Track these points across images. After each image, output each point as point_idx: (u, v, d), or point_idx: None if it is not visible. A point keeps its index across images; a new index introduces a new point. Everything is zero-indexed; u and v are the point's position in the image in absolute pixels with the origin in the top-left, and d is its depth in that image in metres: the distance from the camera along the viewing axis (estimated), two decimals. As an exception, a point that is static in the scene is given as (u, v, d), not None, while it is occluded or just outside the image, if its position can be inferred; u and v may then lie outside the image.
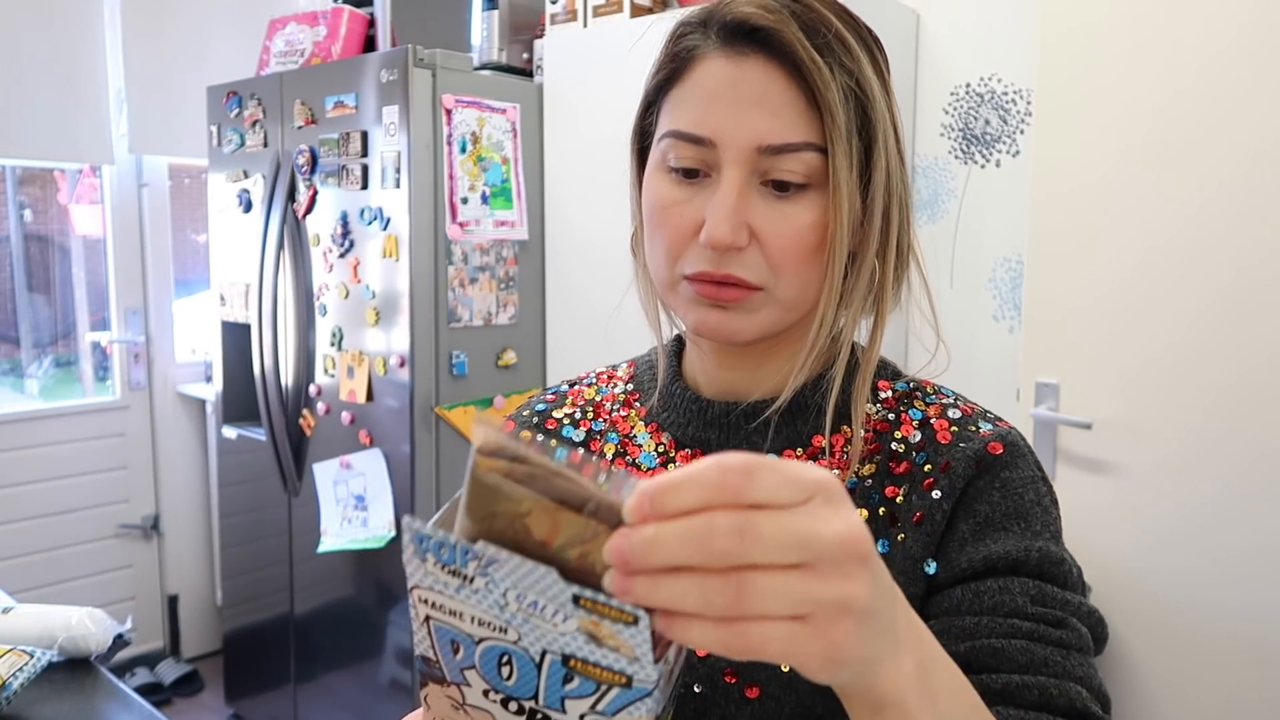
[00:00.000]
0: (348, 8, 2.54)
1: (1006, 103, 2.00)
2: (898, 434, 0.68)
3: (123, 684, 1.20)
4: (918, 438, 0.68)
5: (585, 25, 2.32)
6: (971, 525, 0.64)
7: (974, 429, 0.67)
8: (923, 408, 0.70)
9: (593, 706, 0.48)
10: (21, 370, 3.18)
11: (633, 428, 0.76)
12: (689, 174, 0.64)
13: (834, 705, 0.53)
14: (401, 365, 2.25)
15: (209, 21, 3.18)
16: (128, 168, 3.15)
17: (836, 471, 0.67)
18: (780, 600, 0.35)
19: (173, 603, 3.31)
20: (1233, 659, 1.65)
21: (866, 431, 0.69)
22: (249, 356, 2.63)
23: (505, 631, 0.49)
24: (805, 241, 0.63)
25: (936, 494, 0.65)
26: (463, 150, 2.26)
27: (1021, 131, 1.99)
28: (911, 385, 0.72)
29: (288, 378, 2.54)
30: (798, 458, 0.69)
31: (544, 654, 0.47)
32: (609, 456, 0.75)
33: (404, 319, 2.23)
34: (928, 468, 0.66)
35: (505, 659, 0.51)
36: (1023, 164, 1.97)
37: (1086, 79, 1.73)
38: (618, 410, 0.78)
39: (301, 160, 2.42)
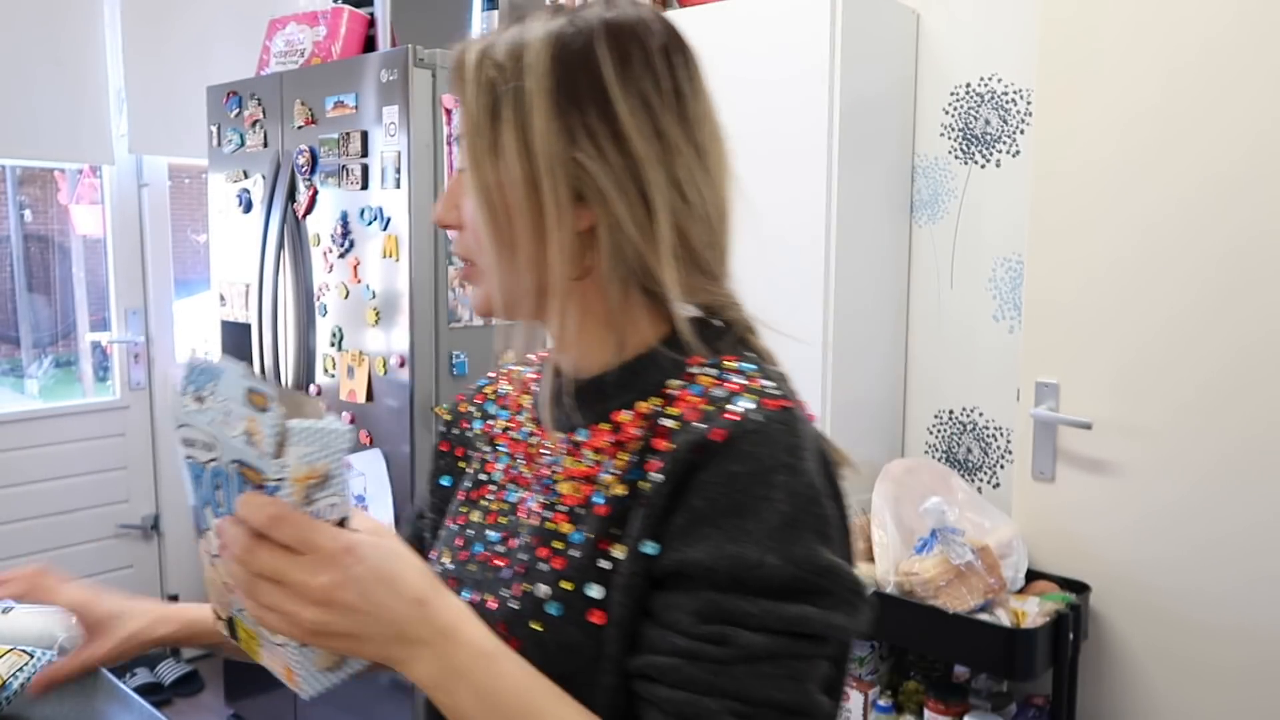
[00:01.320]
0: (348, 8, 2.54)
1: (1006, 103, 2.00)
2: (671, 410, 0.67)
3: (123, 684, 1.20)
4: (676, 415, 0.66)
5: (585, 25, 2.32)
6: (684, 519, 0.62)
7: (724, 409, 0.63)
8: (706, 383, 0.67)
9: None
10: (21, 370, 3.18)
11: (523, 405, 0.83)
12: None
13: (575, 668, 0.64)
14: (401, 365, 2.25)
15: (209, 21, 3.18)
16: (128, 168, 3.15)
17: (611, 460, 0.69)
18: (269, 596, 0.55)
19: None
20: (1231, 654, 1.65)
21: (646, 403, 0.69)
22: (249, 356, 2.62)
23: (214, 449, 0.57)
24: (473, 215, 0.69)
25: (659, 477, 0.63)
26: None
27: (1021, 131, 1.99)
28: (726, 356, 0.70)
29: (288, 378, 2.54)
30: (600, 432, 0.70)
31: (231, 466, 0.56)
32: (517, 435, 0.80)
33: (404, 319, 2.23)
34: (670, 446, 0.64)
35: (218, 482, 0.58)
36: (1023, 164, 1.97)
37: (1086, 79, 1.73)
38: (530, 387, 0.84)
39: (301, 160, 2.42)
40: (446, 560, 0.78)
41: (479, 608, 0.70)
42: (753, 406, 0.63)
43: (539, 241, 0.66)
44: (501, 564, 0.73)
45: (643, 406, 0.69)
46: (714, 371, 0.68)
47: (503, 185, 0.66)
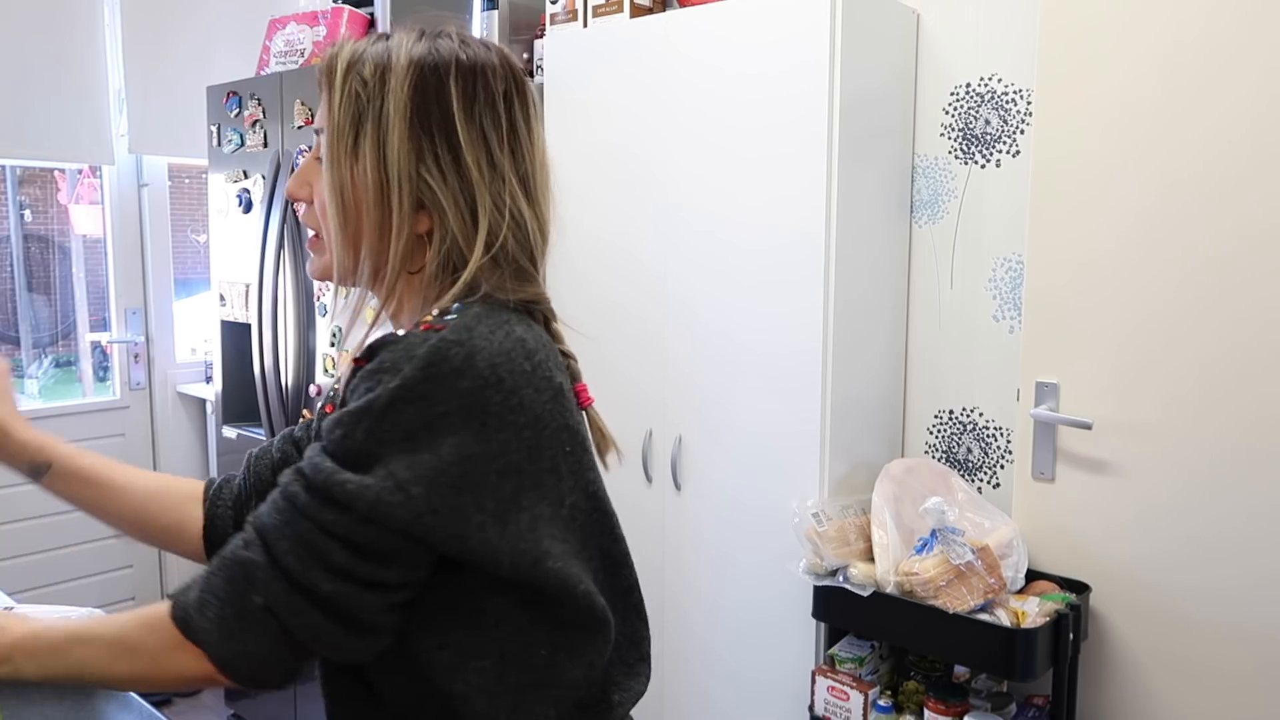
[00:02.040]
0: (348, 8, 2.54)
1: (1006, 103, 2.00)
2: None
3: (122, 684, 1.20)
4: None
5: (585, 25, 2.32)
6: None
7: (367, 349, 0.76)
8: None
9: None
10: (22, 370, 3.18)
11: None
12: None
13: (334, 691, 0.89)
14: (401, 365, 2.25)
15: (209, 22, 3.18)
16: (128, 168, 3.15)
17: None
18: None
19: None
20: (1231, 654, 1.65)
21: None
22: (249, 356, 2.62)
23: None
24: (324, 202, 0.82)
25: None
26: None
27: (1021, 131, 1.99)
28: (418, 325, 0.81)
29: (288, 378, 2.54)
30: None
31: None
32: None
33: (404, 319, 2.23)
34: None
35: None
36: (1023, 164, 1.97)
37: (1086, 79, 1.73)
38: None
39: (301, 160, 2.42)
40: None
41: None
42: (395, 341, 0.75)
43: (382, 237, 0.81)
44: None
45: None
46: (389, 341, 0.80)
47: (355, 185, 0.80)
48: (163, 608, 0.75)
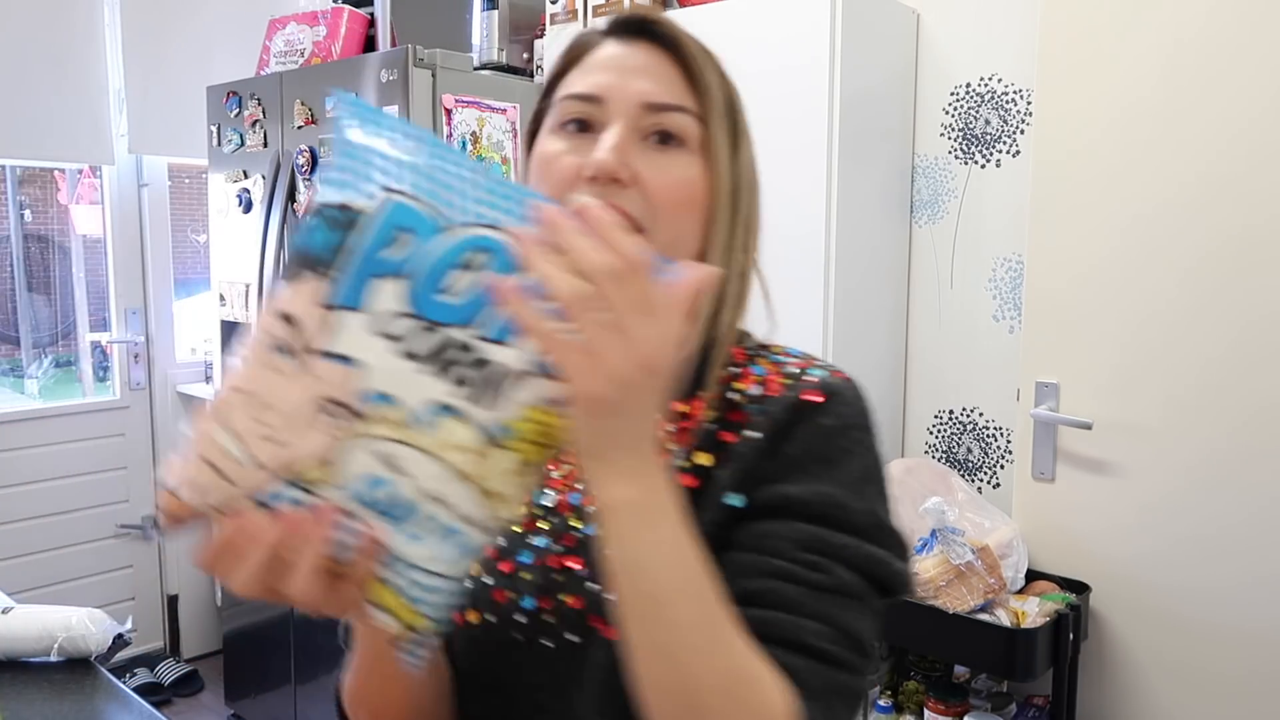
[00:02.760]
0: (348, 8, 2.54)
1: (1006, 103, 2.00)
2: (737, 385, 0.72)
3: (123, 684, 1.20)
4: (755, 391, 0.71)
5: (585, 25, 2.32)
6: (776, 465, 0.67)
7: (805, 378, 0.70)
8: (766, 365, 0.73)
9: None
10: (21, 370, 3.18)
11: None
12: (580, 128, 0.71)
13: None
14: (401, 365, 2.25)
15: (209, 21, 3.18)
16: (128, 168, 3.15)
17: (674, 447, 0.72)
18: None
19: (173, 603, 3.31)
20: (1231, 655, 1.65)
21: (708, 392, 0.72)
22: (249, 356, 2.62)
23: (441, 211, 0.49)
24: (681, 191, 0.70)
25: (753, 433, 0.68)
26: (463, 150, 2.26)
27: (1021, 131, 1.99)
28: (760, 346, 0.77)
29: (288, 378, 2.54)
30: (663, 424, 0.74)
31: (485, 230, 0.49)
32: None
33: (404, 319, 2.23)
34: (759, 417, 0.69)
35: (470, 256, 0.49)
36: (1023, 164, 1.97)
37: (1086, 79, 1.73)
38: None
39: (301, 160, 2.42)
40: (481, 575, 0.75)
41: (553, 611, 0.70)
42: (826, 375, 0.71)
43: (705, 239, 0.73)
44: (573, 564, 0.71)
45: (706, 395, 0.72)
46: (768, 355, 0.75)
47: (718, 182, 0.72)
48: (779, 698, 0.57)
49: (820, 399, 0.69)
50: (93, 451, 3.10)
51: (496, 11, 2.49)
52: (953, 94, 2.09)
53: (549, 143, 0.72)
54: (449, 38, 2.51)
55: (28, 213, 3.19)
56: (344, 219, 0.48)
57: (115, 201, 3.14)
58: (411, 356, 0.49)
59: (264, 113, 2.55)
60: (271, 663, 2.72)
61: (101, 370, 3.26)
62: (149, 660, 3.20)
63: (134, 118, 3.06)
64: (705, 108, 0.71)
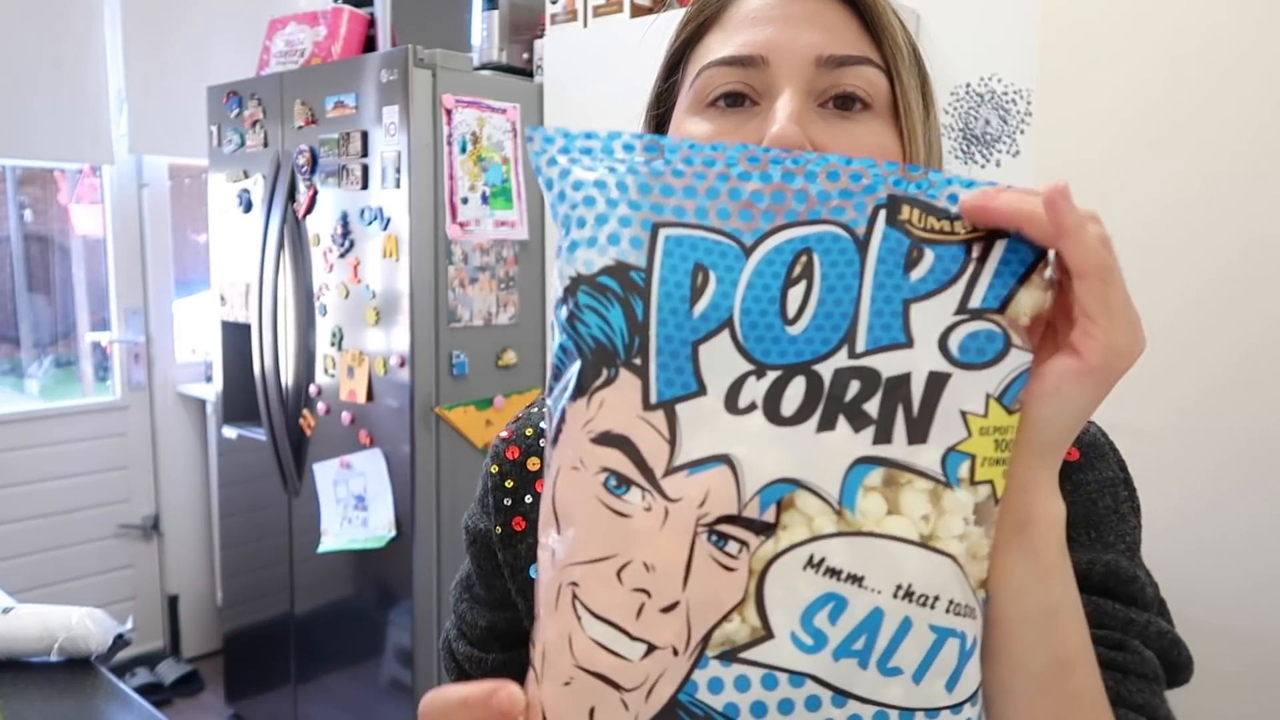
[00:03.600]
0: (348, 8, 2.54)
1: (1006, 103, 2.00)
2: None
3: (123, 684, 1.20)
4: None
5: (585, 25, 2.32)
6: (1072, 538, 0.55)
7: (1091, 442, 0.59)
8: None
9: (962, 304, 0.35)
10: (21, 370, 3.18)
11: None
12: (733, 103, 0.55)
13: None
14: (402, 365, 2.25)
15: (209, 21, 3.18)
16: (128, 168, 3.15)
17: None
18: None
19: (173, 603, 3.31)
20: (1235, 656, 1.65)
21: None
22: (249, 356, 2.63)
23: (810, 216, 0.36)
24: (879, 145, 0.55)
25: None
26: (463, 150, 2.26)
27: (1021, 131, 1.99)
28: None
29: (288, 378, 2.54)
30: None
31: (870, 230, 0.36)
32: None
33: (404, 319, 2.23)
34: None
35: (800, 265, 0.36)
36: (1023, 164, 1.97)
37: (1087, 79, 1.73)
38: None
39: (301, 160, 2.42)
40: None
41: None
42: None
43: None
44: None
45: None
46: None
47: (914, 151, 0.58)
48: None
49: (1076, 456, 0.58)
50: (93, 451, 3.10)
51: (496, 11, 2.49)
52: (952, 94, 2.09)
53: (690, 125, 0.57)
54: (449, 38, 2.51)
55: (28, 213, 3.19)
56: (621, 286, 0.37)
57: (115, 201, 3.14)
58: (790, 420, 0.36)
59: (264, 113, 2.55)
60: (272, 663, 2.72)
61: (101, 370, 3.26)
62: (149, 660, 3.20)
63: (134, 118, 3.06)
64: (893, 58, 0.56)
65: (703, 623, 0.35)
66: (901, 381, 0.35)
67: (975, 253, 0.36)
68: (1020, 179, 1.98)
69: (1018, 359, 0.36)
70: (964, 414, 0.35)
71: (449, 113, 2.23)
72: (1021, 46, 1.96)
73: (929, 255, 0.36)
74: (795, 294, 0.36)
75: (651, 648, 0.36)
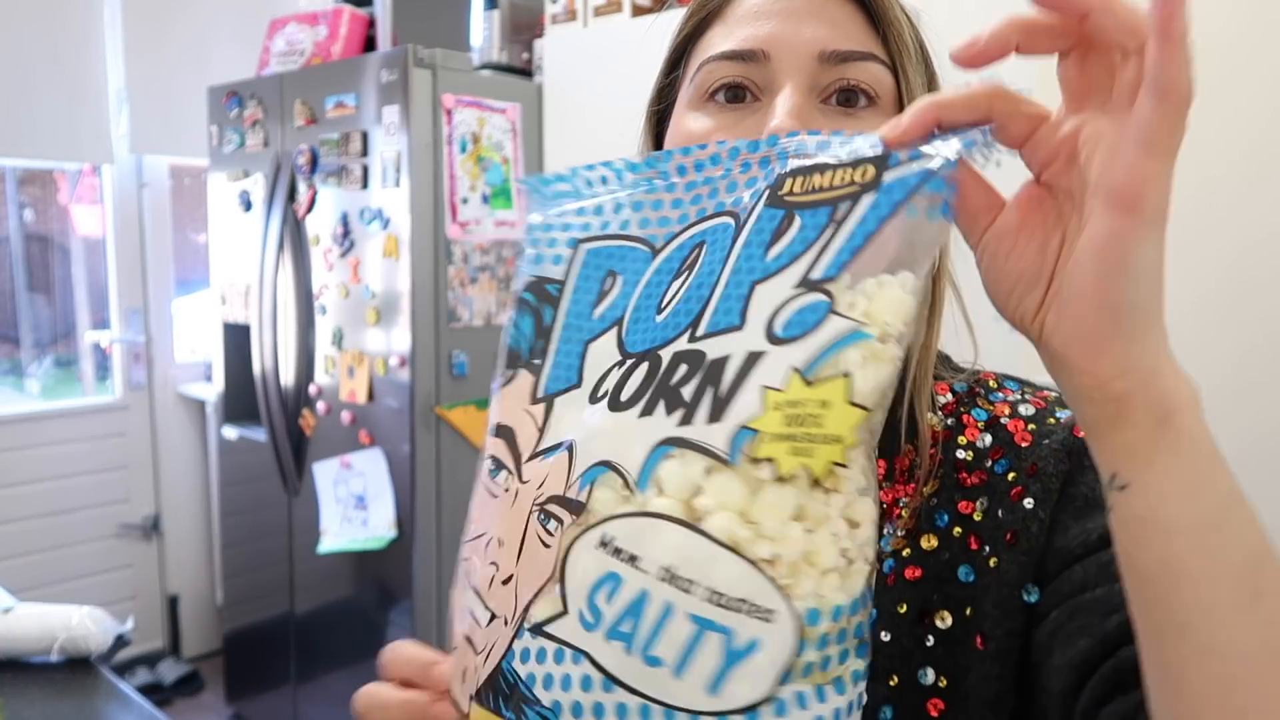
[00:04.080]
0: (348, 8, 2.54)
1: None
2: (961, 439, 0.58)
3: (123, 684, 1.20)
4: (987, 441, 0.57)
5: (585, 25, 2.32)
6: (1073, 512, 0.52)
7: (1053, 421, 0.57)
8: (987, 407, 0.59)
9: (804, 277, 0.34)
10: (21, 370, 3.18)
11: None
12: (733, 98, 0.55)
13: None
14: (402, 365, 2.25)
15: (209, 21, 3.18)
16: (128, 168, 3.15)
17: (905, 499, 0.56)
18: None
19: (173, 603, 3.31)
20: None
21: (931, 448, 0.57)
22: (249, 356, 2.63)
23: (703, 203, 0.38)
24: None
25: (1029, 503, 0.53)
26: (463, 150, 2.26)
27: (1022, 131, 1.99)
28: (971, 383, 0.62)
29: (288, 378, 2.54)
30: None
31: (743, 212, 0.36)
32: None
33: (404, 319, 2.24)
34: (1011, 476, 0.55)
35: (692, 257, 0.37)
36: (1023, 164, 1.97)
37: (1087, 79, 1.73)
38: None
39: (302, 160, 2.42)
40: None
41: None
42: (1070, 413, 0.56)
43: None
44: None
45: (909, 448, 0.57)
46: (985, 393, 0.60)
47: None
48: None
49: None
50: (93, 451, 3.10)
51: (497, 11, 2.49)
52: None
53: (691, 121, 0.56)
54: (449, 38, 2.51)
55: (28, 213, 3.19)
56: (538, 298, 0.41)
57: (115, 201, 3.14)
58: (623, 405, 0.37)
59: (264, 113, 2.55)
60: (272, 663, 2.72)
61: (102, 370, 3.26)
62: (149, 660, 3.20)
63: (134, 118, 3.06)
64: (899, 53, 0.56)
65: (526, 595, 0.37)
66: (720, 364, 0.35)
67: (840, 213, 0.36)
68: (1020, 178, 1.97)
69: (834, 327, 0.34)
70: (764, 389, 0.34)
71: (449, 113, 2.23)
72: (1021, 46, 1.96)
73: (795, 224, 0.36)
74: (675, 285, 0.38)
75: (493, 616, 0.39)
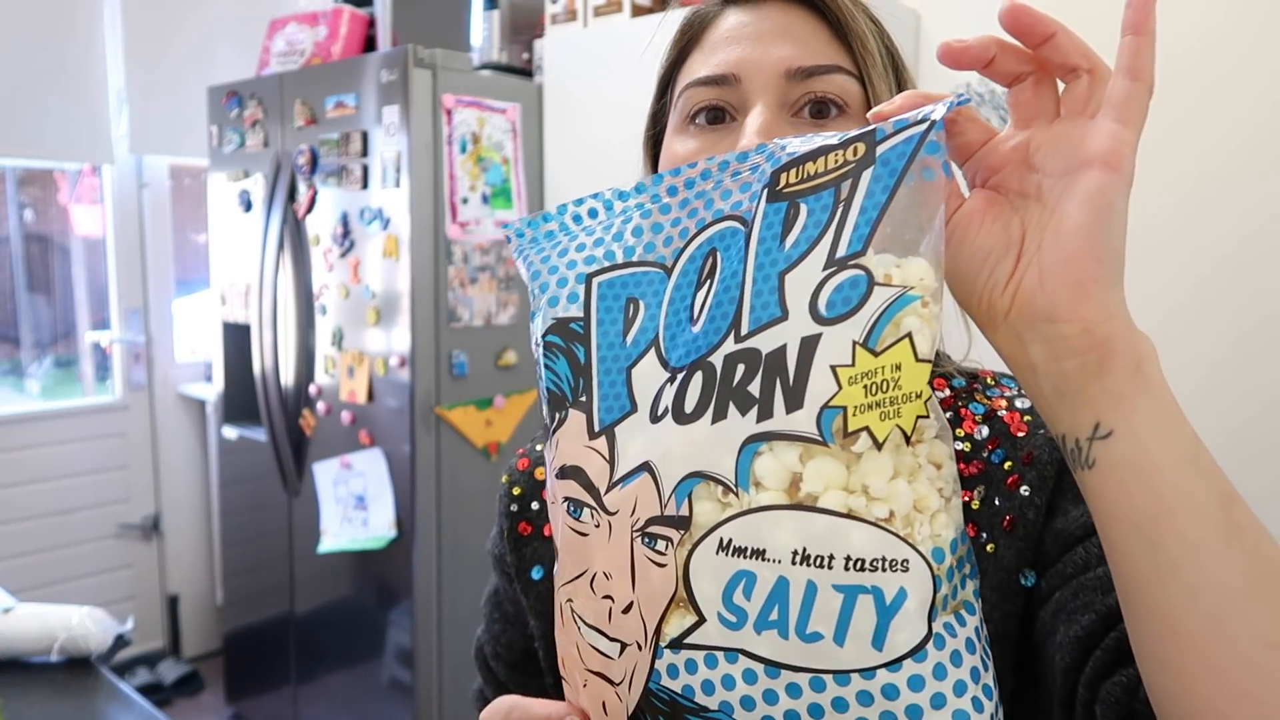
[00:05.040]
0: (348, 8, 2.54)
1: (1007, 103, 2.00)
2: (959, 432, 0.60)
3: (123, 684, 1.20)
4: (985, 433, 0.59)
5: (585, 25, 2.32)
6: (1072, 496, 0.55)
7: None
8: (985, 401, 0.61)
9: (830, 257, 0.36)
10: (22, 370, 3.18)
11: None
12: (713, 119, 0.59)
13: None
14: (402, 365, 2.25)
15: (210, 22, 3.18)
16: (128, 168, 3.15)
17: None
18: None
19: (173, 603, 3.31)
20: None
21: None
22: (249, 356, 2.63)
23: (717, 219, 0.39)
24: None
25: (1025, 490, 0.55)
26: (463, 150, 2.26)
27: (1021, 131, 1.99)
28: (969, 379, 0.64)
29: (288, 378, 2.54)
30: None
31: (755, 212, 0.38)
32: None
33: (404, 319, 2.24)
34: (1008, 465, 0.57)
35: (708, 266, 0.39)
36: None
37: (1086, 79, 1.73)
38: None
39: (302, 160, 2.42)
40: None
41: None
42: None
43: None
44: None
45: None
46: (983, 389, 0.62)
47: None
48: None
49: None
50: (93, 451, 3.10)
51: (497, 11, 2.49)
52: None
53: (676, 144, 0.60)
54: (449, 38, 2.51)
55: (28, 213, 3.19)
56: (565, 338, 0.42)
57: (115, 201, 3.14)
58: (691, 416, 0.38)
59: (264, 113, 2.55)
60: (272, 663, 2.72)
61: (102, 370, 3.26)
62: (149, 660, 3.20)
63: (134, 118, 3.06)
64: (864, 63, 0.58)
65: (653, 616, 0.39)
66: (779, 355, 0.37)
67: (844, 192, 0.38)
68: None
69: (882, 296, 0.37)
70: (833, 369, 0.36)
71: (449, 113, 2.23)
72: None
73: (803, 212, 0.38)
74: (701, 295, 0.39)
75: (624, 645, 0.40)
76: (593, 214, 0.44)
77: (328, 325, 2.44)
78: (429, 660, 2.32)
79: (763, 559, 0.36)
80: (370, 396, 2.34)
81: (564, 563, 0.43)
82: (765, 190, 0.39)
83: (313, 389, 2.48)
